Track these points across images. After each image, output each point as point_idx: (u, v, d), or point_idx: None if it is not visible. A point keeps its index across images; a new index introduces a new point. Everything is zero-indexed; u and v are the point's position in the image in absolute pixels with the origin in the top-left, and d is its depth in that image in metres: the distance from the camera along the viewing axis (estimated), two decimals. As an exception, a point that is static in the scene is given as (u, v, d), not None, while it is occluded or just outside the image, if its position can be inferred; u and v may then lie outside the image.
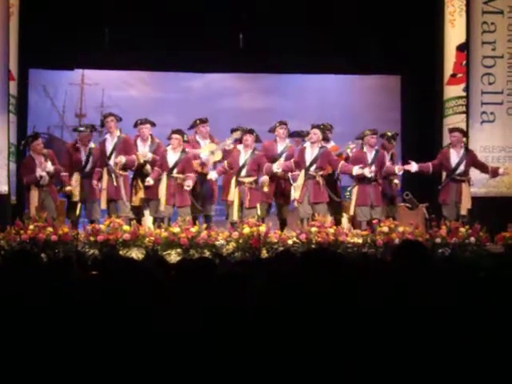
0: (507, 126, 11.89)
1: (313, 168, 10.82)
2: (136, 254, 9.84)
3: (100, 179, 10.85)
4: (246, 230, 10.11)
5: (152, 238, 10.06)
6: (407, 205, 11.55)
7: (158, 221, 10.76)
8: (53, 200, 10.68)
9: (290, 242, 10.22)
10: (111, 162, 10.85)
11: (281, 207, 11.33)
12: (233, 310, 3.44)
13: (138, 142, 11.23)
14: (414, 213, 11.34)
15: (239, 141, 11.13)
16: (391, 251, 5.58)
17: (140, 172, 11.11)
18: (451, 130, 11.34)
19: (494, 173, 11.21)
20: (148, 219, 11.07)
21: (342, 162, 10.96)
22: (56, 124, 13.98)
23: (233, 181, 10.87)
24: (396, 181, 11.26)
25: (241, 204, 10.74)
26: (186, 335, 3.31)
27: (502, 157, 11.83)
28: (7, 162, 10.98)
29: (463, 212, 10.92)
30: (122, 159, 10.76)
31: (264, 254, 9.92)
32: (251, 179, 10.82)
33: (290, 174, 11.16)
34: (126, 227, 10.12)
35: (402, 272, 4.04)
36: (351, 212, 10.97)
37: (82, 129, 11.06)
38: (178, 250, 9.98)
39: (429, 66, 12.71)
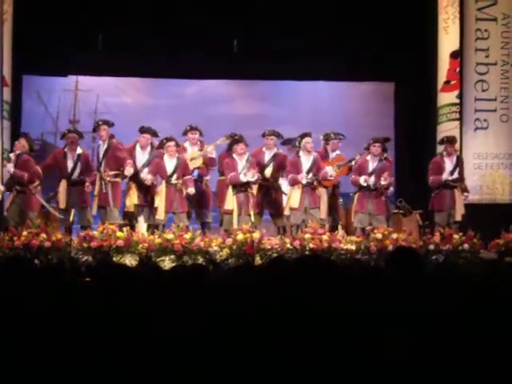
0: (500, 132, 11.92)
1: (310, 176, 10.90)
2: (129, 260, 9.81)
3: (94, 183, 10.81)
4: (240, 236, 10.10)
5: (146, 245, 10.03)
6: (401, 211, 11.55)
7: (152, 227, 10.74)
8: (26, 206, 10.55)
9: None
10: (102, 169, 10.83)
11: (275, 216, 11.33)
12: (225, 314, 3.44)
13: (138, 148, 11.18)
14: (408, 219, 11.35)
15: (230, 149, 11.10)
16: (385, 258, 5.58)
17: (135, 177, 11.09)
18: (451, 139, 11.28)
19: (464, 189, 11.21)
20: (142, 226, 11.04)
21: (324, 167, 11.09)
22: (49, 130, 13.96)
23: (229, 189, 10.85)
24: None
25: (239, 212, 10.73)
26: (181, 336, 3.31)
27: (495, 164, 11.86)
28: (0, 167, 10.94)
29: (458, 218, 10.96)
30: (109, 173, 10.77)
31: (258, 260, 9.91)
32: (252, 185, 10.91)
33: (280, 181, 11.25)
34: (119, 233, 10.08)
35: (396, 278, 4.04)
36: (352, 218, 11.05)
37: (69, 132, 10.99)
38: (172, 257, 9.95)
39: (423, 72, 12.73)
